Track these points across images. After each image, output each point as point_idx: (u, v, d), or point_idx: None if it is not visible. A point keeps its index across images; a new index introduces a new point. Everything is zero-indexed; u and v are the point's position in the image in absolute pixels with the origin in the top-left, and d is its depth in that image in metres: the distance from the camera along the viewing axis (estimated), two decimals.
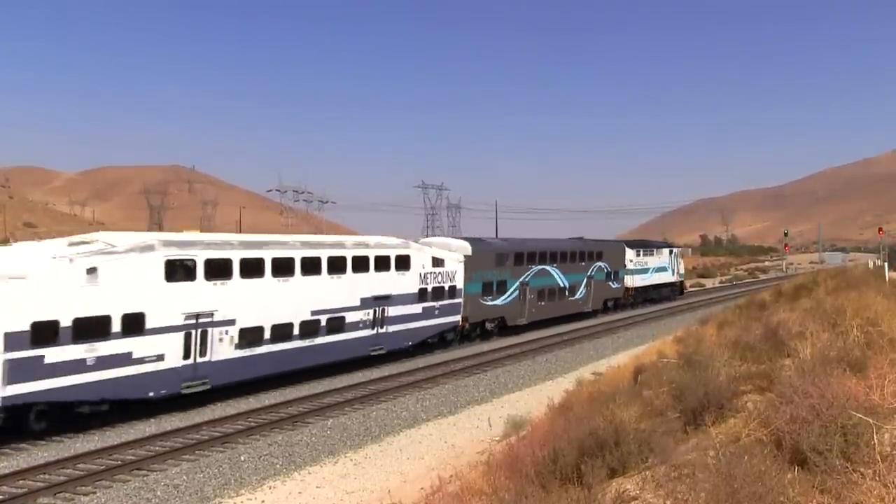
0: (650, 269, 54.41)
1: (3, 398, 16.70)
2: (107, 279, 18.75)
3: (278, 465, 16.34)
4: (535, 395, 23.26)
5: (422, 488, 13.31)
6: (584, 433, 9.13)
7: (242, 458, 16.62)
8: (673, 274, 58.21)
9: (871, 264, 48.40)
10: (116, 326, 18.91)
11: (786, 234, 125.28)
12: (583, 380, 22.06)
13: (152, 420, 19.66)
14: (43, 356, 17.37)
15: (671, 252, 59.05)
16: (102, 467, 15.44)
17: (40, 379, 17.29)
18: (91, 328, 18.36)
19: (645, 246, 56.42)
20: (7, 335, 16.73)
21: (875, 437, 6.40)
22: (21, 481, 14.51)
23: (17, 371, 16.81)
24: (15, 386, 16.84)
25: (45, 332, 17.41)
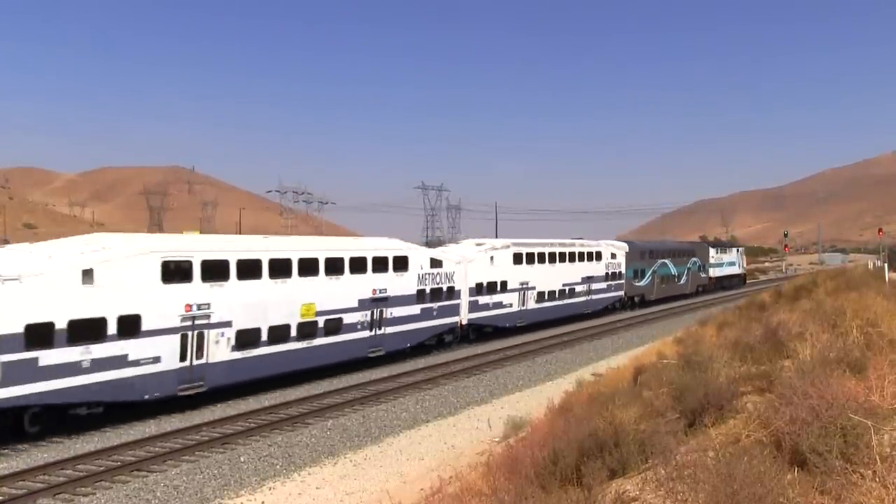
0: (724, 264, 70.20)
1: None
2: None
3: (278, 466, 16.33)
4: (535, 396, 23.26)
5: (421, 489, 13.31)
6: (584, 434, 9.13)
7: (242, 458, 16.62)
8: (739, 268, 75.18)
9: (870, 265, 48.44)
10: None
11: (786, 235, 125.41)
12: (582, 381, 22.06)
13: (152, 421, 19.65)
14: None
15: (738, 251, 77.16)
16: (102, 468, 15.44)
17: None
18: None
19: (721, 246, 75.45)
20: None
21: (875, 438, 6.39)
22: (21, 482, 14.50)
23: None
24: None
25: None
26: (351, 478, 15.81)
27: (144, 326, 19.69)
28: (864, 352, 10.49)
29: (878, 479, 5.79)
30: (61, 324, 17.68)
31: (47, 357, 17.37)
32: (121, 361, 19.09)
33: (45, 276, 17.60)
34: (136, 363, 19.50)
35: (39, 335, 17.23)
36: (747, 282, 77.78)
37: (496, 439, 17.55)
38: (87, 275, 18.41)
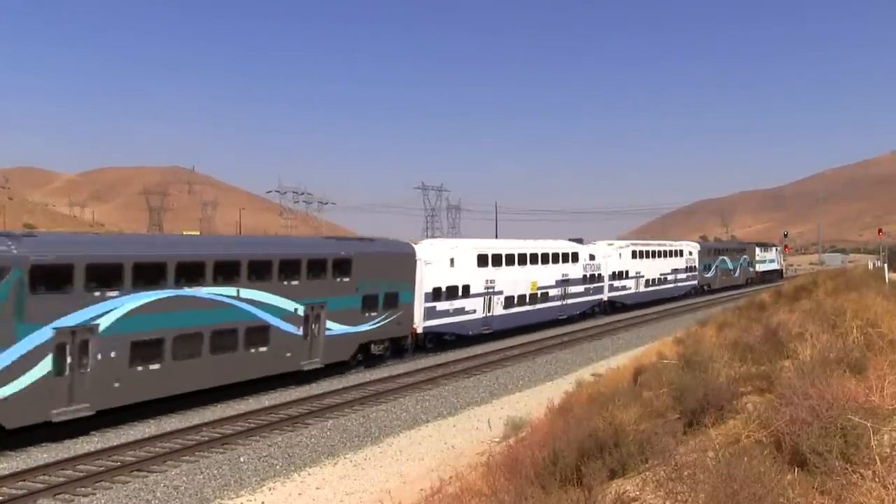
0: (766, 261, 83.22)
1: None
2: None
3: (278, 467, 16.33)
4: (535, 397, 23.27)
5: (421, 489, 13.30)
6: (584, 434, 9.13)
7: (242, 459, 16.61)
8: (778, 264, 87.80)
9: (870, 265, 48.44)
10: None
11: (786, 236, 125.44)
12: (582, 381, 22.06)
13: (152, 421, 19.65)
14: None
15: (776, 250, 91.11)
16: (102, 468, 15.43)
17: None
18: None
19: (764, 246, 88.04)
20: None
21: (874, 438, 6.40)
22: (21, 482, 14.50)
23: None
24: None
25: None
26: (351, 478, 15.81)
27: (471, 291, 34.59)
28: (864, 352, 10.49)
29: (878, 480, 5.79)
30: (443, 287, 32.49)
31: (439, 306, 32.24)
32: (463, 311, 33.94)
33: (436, 262, 32.40)
34: (469, 312, 34.37)
35: (436, 293, 32.09)
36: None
37: (496, 439, 17.55)
38: (451, 262, 33.54)
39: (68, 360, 17.96)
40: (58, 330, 17.66)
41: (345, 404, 21.76)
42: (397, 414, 21.21)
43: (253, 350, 22.76)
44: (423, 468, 16.24)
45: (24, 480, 14.61)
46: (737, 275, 72.93)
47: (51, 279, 17.80)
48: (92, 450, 16.75)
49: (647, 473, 7.78)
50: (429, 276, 31.80)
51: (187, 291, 20.94)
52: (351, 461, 16.98)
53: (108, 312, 18.97)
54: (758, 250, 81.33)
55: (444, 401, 23.04)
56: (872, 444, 6.29)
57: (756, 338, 13.86)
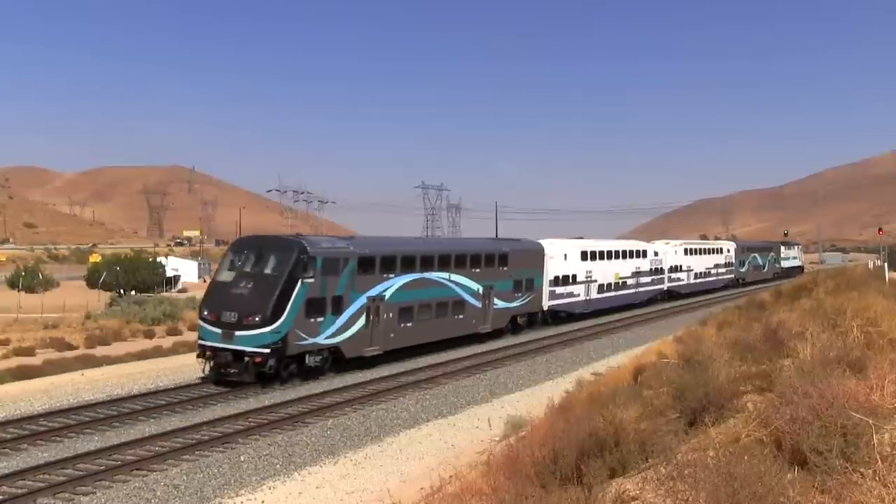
0: (790, 258, 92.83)
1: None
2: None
3: (278, 466, 16.33)
4: (535, 396, 23.26)
5: (422, 488, 13.30)
6: (584, 433, 9.13)
7: (242, 458, 16.62)
8: (799, 261, 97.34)
9: (870, 265, 48.44)
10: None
11: (786, 235, 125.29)
12: (583, 380, 22.06)
13: (152, 420, 19.66)
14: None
15: (798, 248, 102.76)
16: (102, 467, 15.43)
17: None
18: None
19: (788, 244, 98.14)
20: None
21: (875, 437, 6.39)
22: (21, 481, 14.49)
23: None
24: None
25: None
26: (351, 477, 15.81)
27: (577, 280, 43.46)
28: (865, 351, 10.49)
29: (878, 479, 5.79)
30: (560, 276, 41.55)
31: (557, 290, 41.30)
32: (572, 294, 42.91)
33: (556, 257, 41.36)
34: (576, 296, 43.34)
35: (556, 280, 41.08)
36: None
37: (496, 438, 17.54)
38: (565, 257, 42.36)
39: (371, 317, 27.13)
40: (368, 298, 27.09)
41: (345, 403, 21.77)
42: (397, 413, 21.21)
43: (455, 317, 32.16)
44: (423, 467, 16.24)
45: (24, 479, 14.61)
46: (765, 270, 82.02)
47: (365, 266, 27.17)
48: (92, 448, 16.76)
49: (648, 472, 7.78)
50: (551, 267, 41.13)
51: (425, 275, 30.27)
52: (351, 460, 16.98)
53: (389, 287, 28.18)
54: (782, 248, 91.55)
55: (444, 400, 23.04)
56: (874, 442, 6.28)
57: (756, 337, 13.85)
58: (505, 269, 35.82)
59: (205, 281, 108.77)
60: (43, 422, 18.97)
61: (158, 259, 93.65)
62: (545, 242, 42.49)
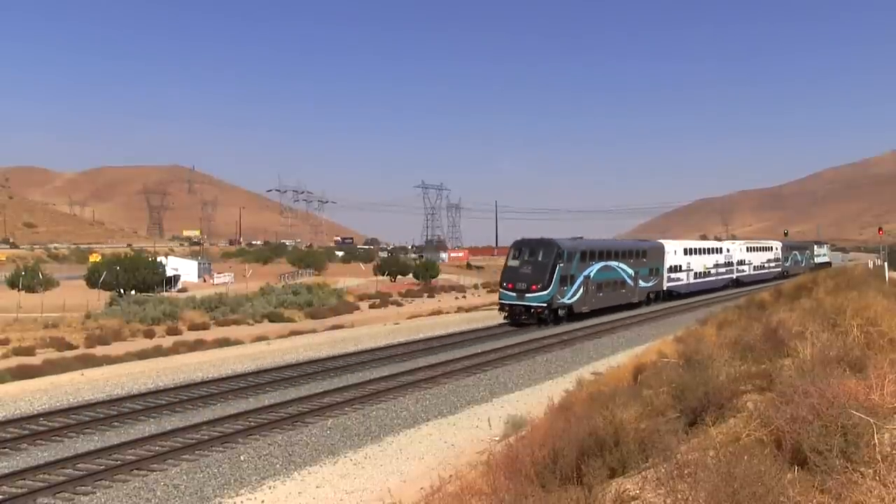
0: (821, 255, 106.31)
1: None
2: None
3: (278, 465, 16.32)
4: (535, 395, 23.25)
5: (421, 488, 13.29)
6: (584, 433, 9.12)
7: (242, 457, 16.61)
8: (828, 258, 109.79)
9: (870, 264, 48.42)
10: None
11: (786, 234, 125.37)
12: (583, 379, 22.02)
13: (152, 420, 19.66)
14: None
15: (827, 246, 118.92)
16: (102, 467, 15.41)
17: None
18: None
19: (819, 243, 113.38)
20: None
21: (875, 437, 6.38)
22: (21, 481, 14.49)
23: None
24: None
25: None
26: (351, 477, 15.81)
27: (681, 269, 58.76)
28: (865, 350, 10.48)
29: (878, 478, 5.79)
30: (672, 265, 57.04)
31: (671, 276, 56.95)
32: (679, 279, 58.14)
33: (670, 252, 56.99)
34: (681, 280, 58.61)
35: (670, 269, 56.48)
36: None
37: (496, 438, 17.53)
38: (675, 252, 57.62)
39: (585, 288, 43.34)
40: (584, 276, 43.26)
41: (345, 403, 21.75)
42: (397, 412, 21.20)
43: (620, 291, 48.98)
44: (423, 467, 16.24)
45: (24, 479, 14.60)
46: (803, 264, 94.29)
47: (583, 256, 43.50)
48: (92, 448, 16.75)
49: (648, 472, 7.77)
50: (667, 260, 56.90)
51: (608, 263, 46.82)
52: (351, 460, 16.97)
53: (592, 270, 44.47)
54: (815, 247, 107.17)
55: (443, 399, 23.03)
56: (874, 442, 6.28)
57: (756, 336, 13.83)
58: (644, 260, 53.06)
59: (205, 281, 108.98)
60: (43, 421, 18.97)
61: (158, 259, 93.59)
62: (664, 242, 59.48)
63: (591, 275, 44.31)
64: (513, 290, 40.57)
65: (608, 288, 46.73)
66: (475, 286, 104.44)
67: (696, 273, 62.29)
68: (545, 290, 39.82)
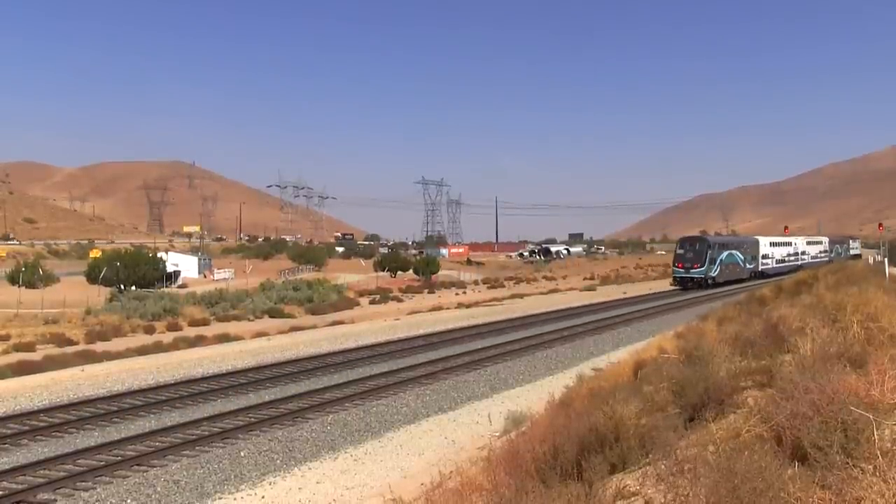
0: (854, 248, 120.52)
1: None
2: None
3: (278, 461, 16.34)
4: (535, 391, 23.26)
5: (422, 484, 13.29)
6: (585, 429, 9.12)
7: (242, 453, 16.62)
8: (859, 250, 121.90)
9: (871, 260, 48.40)
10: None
11: (786, 230, 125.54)
12: (583, 375, 22.00)
13: (152, 416, 19.68)
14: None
15: (858, 241, 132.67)
16: (102, 463, 15.43)
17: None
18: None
19: (853, 238, 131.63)
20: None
21: (875, 432, 6.38)
22: (21, 477, 14.50)
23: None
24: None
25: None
26: (351, 472, 15.82)
27: (767, 256, 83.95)
28: (865, 347, 10.47)
29: (878, 474, 5.78)
30: (763, 253, 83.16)
31: (762, 261, 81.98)
32: (767, 264, 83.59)
33: (762, 242, 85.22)
34: (768, 265, 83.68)
35: (762, 256, 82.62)
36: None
37: (497, 434, 17.53)
38: (764, 244, 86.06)
39: (720, 267, 69.45)
40: (719, 259, 69.81)
41: (345, 399, 21.77)
42: (397, 408, 21.22)
43: (737, 269, 73.25)
44: (423, 463, 16.25)
45: (24, 475, 14.62)
46: (843, 255, 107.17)
47: (719, 246, 73.14)
48: (92, 444, 16.76)
49: (648, 468, 7.76)
50: (761, 249, 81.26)
51: (731, 251, 73.85)
52: (351, 455, 16.99)
53: (723, 256, 70.96)
54: (850, 241, 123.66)
55: (444, 395, 23.05)
56: (874, 437, 6.27)
57: (756, 332, 13.83)
58: (748, 249, 78.02)
59: (205, 277, 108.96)
60: (43, 417, 19.00)
61: (159, 254, 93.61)
62: (759, 238, 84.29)
63: (723, 259, 70.16)
64: (682, 268, 68.11)
65: (732, 267, 72.56)
66: (475, 282, 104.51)
67: (776, 259, 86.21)
68: (702, 267, 66.62)
